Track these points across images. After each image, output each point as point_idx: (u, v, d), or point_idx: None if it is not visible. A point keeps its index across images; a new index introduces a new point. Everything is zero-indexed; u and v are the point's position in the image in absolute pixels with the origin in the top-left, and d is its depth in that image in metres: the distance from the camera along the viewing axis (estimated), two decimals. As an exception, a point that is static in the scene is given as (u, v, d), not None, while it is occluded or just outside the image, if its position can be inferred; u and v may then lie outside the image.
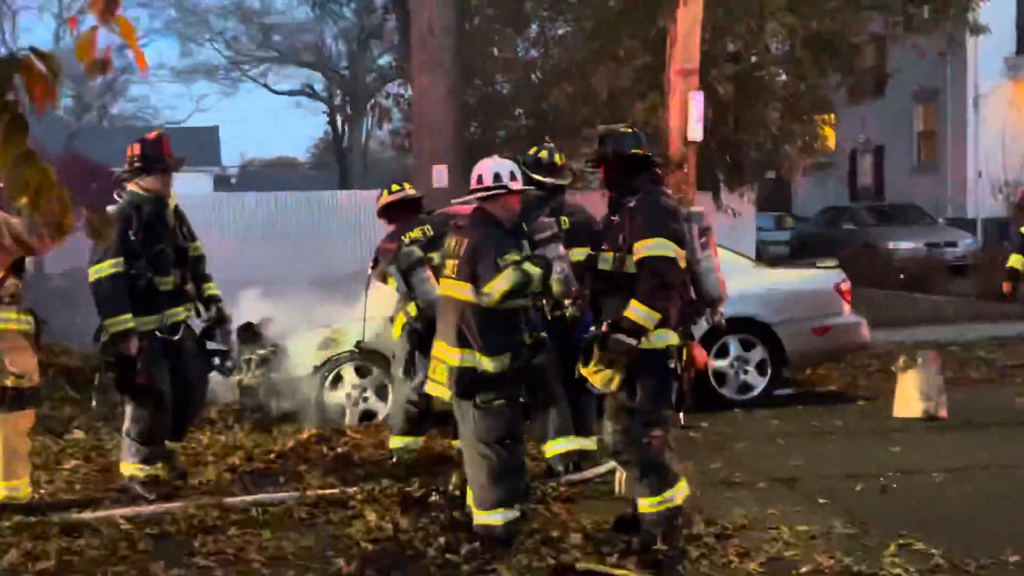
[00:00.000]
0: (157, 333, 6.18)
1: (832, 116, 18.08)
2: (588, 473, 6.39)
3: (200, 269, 6.55)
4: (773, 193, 23.46)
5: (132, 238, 6.09)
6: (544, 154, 6.79)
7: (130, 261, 6.06)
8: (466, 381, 5.15)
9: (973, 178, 24.06)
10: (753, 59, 15.14)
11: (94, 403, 7.03)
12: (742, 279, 8.16)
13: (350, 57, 39.00)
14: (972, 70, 23.75)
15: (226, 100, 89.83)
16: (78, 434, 7.76)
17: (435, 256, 6.19)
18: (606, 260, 5.12)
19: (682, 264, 5.05)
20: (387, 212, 7.08)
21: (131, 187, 6.24)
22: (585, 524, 5.44)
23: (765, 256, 20.65)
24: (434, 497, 5.89)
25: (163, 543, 5.36)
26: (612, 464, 5.87)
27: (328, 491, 6.14)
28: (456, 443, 6.09)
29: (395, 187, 7.16)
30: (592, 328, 5.12)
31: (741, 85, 14.60)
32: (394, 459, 6.81)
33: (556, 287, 5.40)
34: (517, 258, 5.12)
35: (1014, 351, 11.48)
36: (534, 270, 5.10)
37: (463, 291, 5.20)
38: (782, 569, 4.86)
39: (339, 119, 42.14)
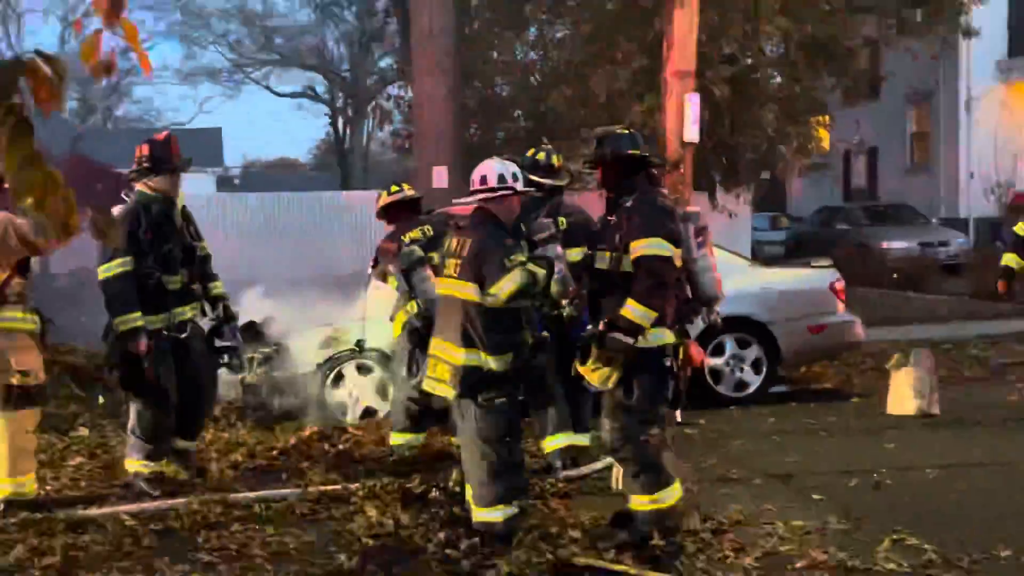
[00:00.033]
0: (165, 332, 6.23)
1: (826, 118, 18.10)
2: (585, 469, 6.45)
3: (206, 268, 6.61)
4: (768, 193, 23.58)
5: (141, 237, 6.13)
6: (542, 156, 6.85)
7: (139, 260, 6.10)
8: (472, 380, 5.17)
9: (965, 179, 24.15)
10: (748, 61, 15.19)
11: (100, 400, 7.06)
12: (738, 278, 8.23)
13: (351, 60, 38.91)
14: (964, 73, 23.87)
15: (229, 102, 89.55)
16: (83, 431, 7.79)
17: (435, 255, 6.24)
18: (603, 259, 5.16)
19: (678, 263, 5.10)
20: (387, 213, 7.14)
21: (139, 187, 6.29)
22: (583, 520, 5.48)
23: (761, 256, 20.72)
24: (434, 493, 5.92)
25: (167, 539, 5.40)
26: (609, 460, 5.93)
27: (330, 487, 6.19)
28: (456, 440, 6.14)
29: (394, 188, 7.21)
30: (589, 327, 5.16)
31: (737, 87, 14.64)
32: (394, 456, 6.86)
33: (554, 287, 5.39)
34: (523, 259, 5.15)
35: (1006, 349, 11.56)
36: (539, 271, 5.13)
37: (467, 291, 5.21)
38: (777, 564, 4.91)
39: (340, 121, 42.12)
